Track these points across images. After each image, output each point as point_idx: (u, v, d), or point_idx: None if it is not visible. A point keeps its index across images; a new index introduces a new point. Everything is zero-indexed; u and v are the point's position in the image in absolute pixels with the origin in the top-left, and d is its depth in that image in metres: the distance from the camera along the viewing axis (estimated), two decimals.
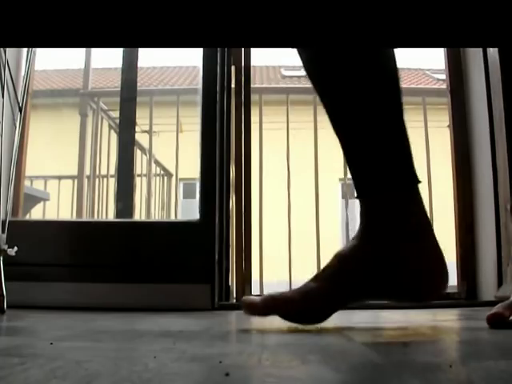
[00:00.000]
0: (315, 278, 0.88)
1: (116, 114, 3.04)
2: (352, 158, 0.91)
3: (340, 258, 0.90)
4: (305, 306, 0.83)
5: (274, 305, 0.83)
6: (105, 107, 3.43)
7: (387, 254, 0.84)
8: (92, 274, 1.48)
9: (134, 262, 1.50)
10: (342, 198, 7.16)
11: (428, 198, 2.05)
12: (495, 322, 0.79)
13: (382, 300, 0.90)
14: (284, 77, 8.48)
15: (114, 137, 3.29)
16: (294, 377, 0.45)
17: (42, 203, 3.64)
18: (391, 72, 0.88)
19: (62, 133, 4.76)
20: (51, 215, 3.99)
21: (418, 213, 0.87)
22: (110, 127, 3.42)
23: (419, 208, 0.87)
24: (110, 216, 3.08)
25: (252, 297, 0.89)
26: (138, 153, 2.89)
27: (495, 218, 1.48)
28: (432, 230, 0.89)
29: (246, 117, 1.63)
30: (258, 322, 1.05)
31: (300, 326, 0.85)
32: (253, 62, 1.67)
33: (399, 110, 0.93)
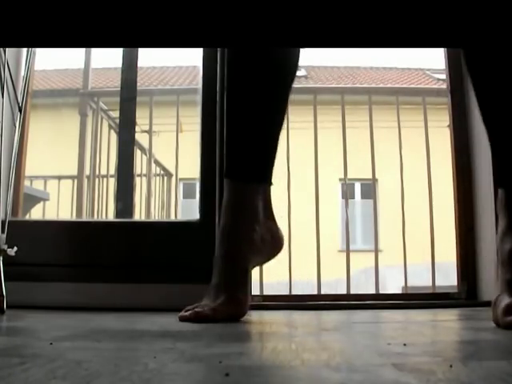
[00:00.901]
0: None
1: (116, 114, 3.04)
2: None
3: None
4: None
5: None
6: (105, 107, 3.43)
7: None
8: (92, 274, 1.47)
9: (134, 262, 1.50)
10: (342, 198, 7.16)
11: (428, 197, 2.05)
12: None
13: None
14: None
15: (114, 137, 3.29)
16: (294, 377, 0.45)
17: (41, 203, 3.64)
18: None
19: (61, 133, 4.76)
20: (51, 215, 3.99)
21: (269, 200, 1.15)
22: (110, 127, 3.42)
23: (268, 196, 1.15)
24: (110, 216, 3.08)
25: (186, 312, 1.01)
26: (137, 153, 2.89)
27: (495, 218, 1.48)
28: None
29: None
30: (258, 322, 1.05)
31: (300, 326, 0.85)
32: None
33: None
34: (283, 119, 1.16)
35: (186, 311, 1.01)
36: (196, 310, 1.00)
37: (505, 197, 1.02)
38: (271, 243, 1.14)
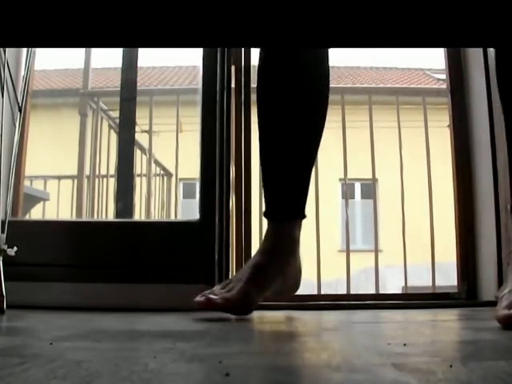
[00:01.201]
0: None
1: (116, 114, 3.04)
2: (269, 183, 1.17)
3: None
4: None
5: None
6: (104, 107, 3.43)
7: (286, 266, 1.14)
8: (92, 274, 1.47)
9: (134, 261, 1.50)
10: (342, 198, 7.16)
11: (428, 197, 2.05)
12: (510, 323, 0.79)
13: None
14: None
15: (114, 137, 3.29)
16: (294, 377, 0.45)
17: (41, 203, 3.64)
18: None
19: (61, 133, 4.76)
20: (51, 215, 3.99)
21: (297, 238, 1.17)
22: (110, 127, 3.42)
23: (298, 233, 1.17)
24: (110, 216, 3.08)
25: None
26: (137, 153, 2.89)
27: (495, 218, 1.48)
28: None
29: (246, 117, 1.63)
30: (258, 322, 1.05)
31: (300, 326, 0.85)
32: (253, 62, 1.66)
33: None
34: (317, 152, 1.19)
35: (202, 296, 1.05)
36: (209, 296, 1.04)
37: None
38: (293, 279, 1.17)
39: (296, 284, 1.20)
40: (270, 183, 1.17)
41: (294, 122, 1.15)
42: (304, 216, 1.17)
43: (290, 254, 1.14)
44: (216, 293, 1.06)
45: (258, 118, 1.18)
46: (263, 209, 1.19)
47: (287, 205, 1.16)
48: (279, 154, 1.16)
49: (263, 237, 1.18)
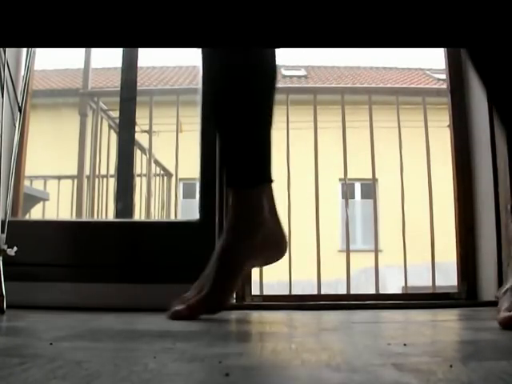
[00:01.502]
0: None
1: (116, 114, 3.04)
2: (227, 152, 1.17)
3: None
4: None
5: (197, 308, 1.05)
6: (104, 107, 3.43)
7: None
8: (92, 274, 1.47)
9: (134, 261, 1.50)
10: (342, 198, 7.16)
11: (428, 197, 2.05)
12: (510, 324, 0.78)
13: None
14: (284, 77, 8.48)
15: (114, 137, 3.29)
16: (294, 377, 0.45)
17: (41, 203, 3.64)
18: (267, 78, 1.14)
19: (61, 133, 4.76)
20: (51, 215, 3.99)
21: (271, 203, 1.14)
22: (110, 127, 3.42)
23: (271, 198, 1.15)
24: (110, 216, 3.08)
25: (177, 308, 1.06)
26: (137, 153, 2.89)
27: (495, 218, 1.48)
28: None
29: None
30: (258, 322, 1.05)
31: (300, 326, 0.85)
32: None
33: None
34: (271, 119, 1.17)
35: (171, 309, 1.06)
36: (177, 309, 1.05)
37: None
38: (274, 246, 1.15)
39: (279, 250, 1.17)
40: (226, 151, 1.18)
41: (243, 90, 1.14)
42: (270, 180, 1.14)
43: (258, 224, 1.11)
44: (189, 297, 1.08)
45: (207, 89, 1.22)
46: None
47: (245, 170, 1.14)
48: (231, 118, 1.15)
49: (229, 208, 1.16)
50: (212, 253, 1.50)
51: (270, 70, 1.17)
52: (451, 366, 0.46)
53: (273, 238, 1.14)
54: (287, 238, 1.19)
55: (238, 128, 1.15)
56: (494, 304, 1.43)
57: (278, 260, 1.17)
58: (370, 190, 7.12)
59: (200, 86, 1.60)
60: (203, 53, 1.16)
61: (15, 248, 1.23)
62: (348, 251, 2.17)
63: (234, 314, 1.25)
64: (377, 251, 2.23)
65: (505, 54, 0.90)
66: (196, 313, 1.04)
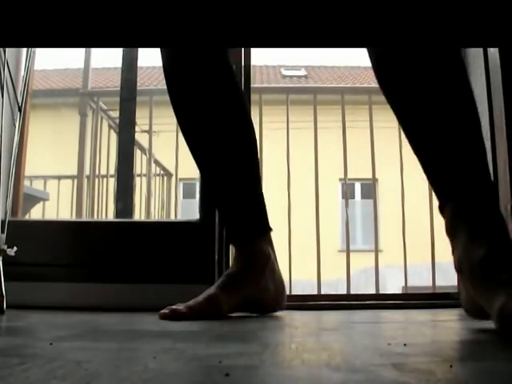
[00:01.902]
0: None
1: (116, 114, 3.04)
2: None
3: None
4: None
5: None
6: (104, 107, 3.43)
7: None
8: (92, 274, 1.48)
9: (134, 261, 1.50)
10: (342, 198, 7.16)
11: (428, 197, 2.05)
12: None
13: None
14: (284, 76, 8.49)
15: (114, 136, 3.29)
16: (294, 377, 0.45)
17: (41, 203, 3.64)
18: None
19: (61, 133, 4.76)
20: (51, 215, 3.99)
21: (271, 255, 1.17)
22: (110, 127, 3.42)
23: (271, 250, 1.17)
24: (110, 216, 3.08)
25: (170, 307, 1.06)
26: (137, 153, 2.89)
27: None
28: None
29: None
30: (258, 322, 1.05)
31: (300, 326, 0.85)
32: (253, 62, 1.66)
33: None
34: (258, 165, 1.19)
35: (167, 309, 1.05)
36: (173, 307, 1.05)
37: (457, 211, 0.94)
38: (273, 295, 1.16)
39: (277, 300, 1.18)
40: (222, 212, 1.21)
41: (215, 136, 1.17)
42: (268, 229, 1.17)
43: (263, 267, 1.14)
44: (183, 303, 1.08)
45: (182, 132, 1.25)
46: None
47: (245, 227, 1.17)
48: (217, 179, 1.17)
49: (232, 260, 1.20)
50: (212, 253, 1.50)
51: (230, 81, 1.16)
52: (451, 366, 0.46)
53: (271, 285, 1.15)
54: (285, 291, 1.21)
55: (223, 179, 1.16)
56: None
57: (274, 310, 1.19)
58: (369, 189, 7.12)
59: None
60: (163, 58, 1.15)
61: (15, 248, 1.23)
62: (348, 251, 2.17)
63: (233, 314, 1.25)
64: (377, 251, 2.23)
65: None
66: (194, 313, 1.04)
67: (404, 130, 0.96)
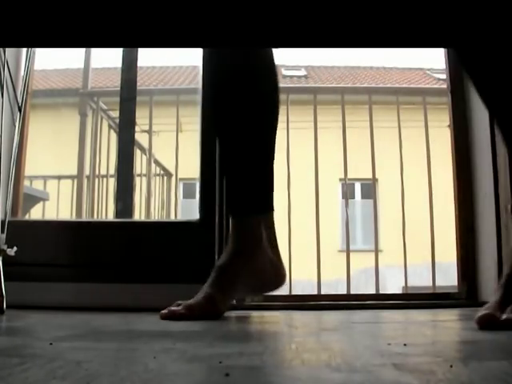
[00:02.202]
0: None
1: (116, 114, 3.04)
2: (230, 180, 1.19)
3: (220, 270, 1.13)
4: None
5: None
6: (104, 107, 3.43)
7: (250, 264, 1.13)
8: (92, 274, 1.47)
9: (134, 261, 1.50)
10: (342, 198, 7.16)
11: (428, 197, 2.05)
12: (486, 323, 0.77)
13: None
14: (284, 77, 8.48)
15: (114, 136, 3.29)
16: (295, 377, 0.45)
17: (41, 203, 3.63)
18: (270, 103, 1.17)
19: (61, 133, 4.76)
20: (51, 215, 3.99)
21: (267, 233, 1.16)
22: (110, 127, 3.42)
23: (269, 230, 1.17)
24: (110, 216, 3.08)
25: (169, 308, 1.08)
26: (137, 152, 2.89)
27: (496, 218, 1.48)
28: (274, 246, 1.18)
29: None
30: (258, 322, 1.05)
31: (300, 326, 0.85)
32: None
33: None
34: (274, 145, 1.19)
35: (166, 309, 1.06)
36: (172, 308, 1.06)
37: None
38: (270, 276, 1.17)
39: (274, 279, 1.18)
40: (229, 179, 1.20)
41: (247, 119, 1.16)
42: (269, 210, 1.17)
43: (253, 251, 1.13)
44: (182, 303, 1.08)
45: (213, 117, 1.23)
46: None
47: (245, 199, 1.17)
48: (235, 149, 1.17)
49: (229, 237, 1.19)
50: (212, 253, 1.50)
51: (269, 73, 1.18)
52: (451, 366, 0.46)
53: (269, 267, 1.15)
54: (285, 270, 1.20)
55: (239, 149, 1.17)
56: None
57: (272, 290, 1.20)
58: (369, 189, 7.12)
59: (200, 85, 1.60)
60: (204, 54, 1.17)
61: (15, 248, 1.23)
62: (348, 251, 2.17)
63: (233, 314, 1.25)
64: (377, 251, 2.23)
65: (499, 58, 0.89)
66: (193, 314, 1.04)
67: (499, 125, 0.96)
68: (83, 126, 3.38)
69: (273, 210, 1.18)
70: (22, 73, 1.57)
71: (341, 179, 6.17)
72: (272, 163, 1.18)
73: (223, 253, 1.17)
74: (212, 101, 1.20)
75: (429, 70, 9.12)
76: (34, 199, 3.37)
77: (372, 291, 2.06)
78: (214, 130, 1.23)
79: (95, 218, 3.15)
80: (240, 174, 1.17)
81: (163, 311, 1.06)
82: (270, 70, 1.18)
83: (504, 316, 0.76)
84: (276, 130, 1.20)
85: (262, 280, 1.16)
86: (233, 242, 1.14)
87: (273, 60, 1.18)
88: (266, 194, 1.17)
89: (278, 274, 1.18)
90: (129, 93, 1.89)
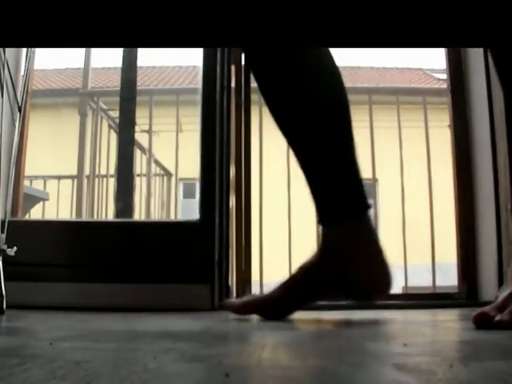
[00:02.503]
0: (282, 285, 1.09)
1: (116, 114, 3.04)
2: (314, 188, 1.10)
3: (302, 270, 1.10)
4: (269, 306, 1.06)
5: (248, 306, 1.07)
6: (104, 107, 3.43)
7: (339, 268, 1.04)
8: (92, 274, 1.47)
9: (134, 261, 1.50)
10: None
11: (428, 197, 2.05)
12: (481, 322, 0.79)
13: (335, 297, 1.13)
14: None
15: (114, 136, 3.29)
16: (294, 377, 0.45)
17: (41, 203, 3.64)
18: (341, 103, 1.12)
19: (61, 132, 4.76)
20: (51, 215, 3.99)
21: (368, 237, 1.05)
22: (110, 127, 3.42)
23: (369, 231, 1.06)
24: (110, 216, 3.08)
25: (232, 300, 1.11)
26: (137, 152, 2.89)
27: (496, 218, 1.48)
28: (379, 251, 1.06)
29: (245, 116, 1.63)
30: (258, 322, 1.05)
31: (300, 326, 0.85)
32: None
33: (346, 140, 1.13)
34: (353, 138, 1.11)
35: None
36: (231, 300, 1.10)
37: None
38: (364, 285, 1.04)
39: (376, 282, 1.04)
40: (314, 186, 1.10)
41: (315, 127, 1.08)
42: (367, 207, 1.05)
43: (346, 253, 1.03)
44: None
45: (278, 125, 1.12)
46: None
47: (335, 203, 1.06)
48: (312, 161, 1.09)
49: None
50: (212, 253, 1.50)
51: (333, 69, 1.07)
52: (451, 366, 0.46)
53: (362, 270, 1.03)
54: (389, 277, 1.04)
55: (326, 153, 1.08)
56: None
57: (369, 297, 1.08)
58: (370, 190, 7.11)
59: (200, 85, 1.60)
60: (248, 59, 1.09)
61: (15, 248, 1.23)
62: None
63: (233, 314, 1.25)
64: None
65: None
66: (248, 309, 1.05)
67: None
68: (83, 125, 3.39)
69: (369, 207, 1.05)
70: (21, 72, 1.57)
71: None
72: (356, 160, 1.08)
73: (318, 248, 1.08)
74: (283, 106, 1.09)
75: (429, 70, 9.12)
76: (33, 199, 3.37)
77: None
78: (284, 134, 1.11)
79: (95, 218, 3.15)
80: (326, 176, 1.08)
81: (227, 303, 1.09)
82: (329, 65, 1.06)
83: (498, 317, 0.77)
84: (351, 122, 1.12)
85: (363, 284, 1.03)
86: (321, 245, 1.06)
87: (331, 58, 1.05)
88: (352, 196, 1.05)
89: (378, 277, 1.04)
90: (129, 93, 1.89)
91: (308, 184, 1.11)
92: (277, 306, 1.06)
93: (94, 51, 3.48)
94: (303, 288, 1.06)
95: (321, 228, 1.08)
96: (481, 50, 1.55)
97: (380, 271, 1.04)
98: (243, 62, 1.64)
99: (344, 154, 1.09)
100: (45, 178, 4.04)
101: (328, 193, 1.07)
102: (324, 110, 1.08)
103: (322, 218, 1.07)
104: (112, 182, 2.89)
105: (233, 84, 1.63)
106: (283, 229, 2.19)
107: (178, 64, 8.39)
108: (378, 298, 1.11)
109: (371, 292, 1.06)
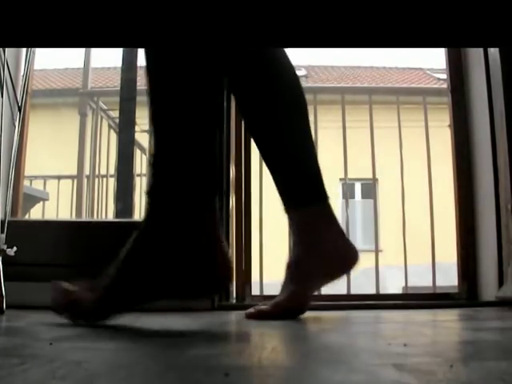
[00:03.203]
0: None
1: (116, 114, 3.04)
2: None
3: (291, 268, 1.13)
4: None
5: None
6: (104, 107, 3.43)
7: None
8: (92, 274, 1.47)
9: None
10: (342, 197, 7.16)
11: (429, 197, 2.05)
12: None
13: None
14: None
15: (114, 136, 3.29)
16: (294, 377, 0.45)
17: (41, 203, 3.63)
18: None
19: (61, 132, 4.76)
20: (50, 215, 3.99)
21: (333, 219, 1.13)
22: (110, 127, 3.42)
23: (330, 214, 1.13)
24: (110, 216, 3.08)
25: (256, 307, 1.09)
26: (137, 152, 2.89)
27: (496, 218, 1.48)
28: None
29: None
30: (257, 322, 1.05)
31: (300, 327, 0.85)
32: None
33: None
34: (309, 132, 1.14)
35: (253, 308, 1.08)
36: (259, 308, 1.07)
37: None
38: (338, 260, 1.12)
39: (343, 264, 1.13)
40: (280, 174, 1.17)
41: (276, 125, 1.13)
42: (326, 198, 1.13)
43: (322, 239, 1.09)
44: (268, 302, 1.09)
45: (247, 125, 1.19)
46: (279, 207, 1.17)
47: (301, 191, 1.14)
48: (279, 145, 1.14)
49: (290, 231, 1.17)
50: None
51: (293, 68, 1.13)
52: (451, 367, 0.46)
53: (336, 252, 1.11)
54: (356, 250, 1.13)
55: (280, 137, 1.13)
56: (494, 304, 1.43)
57: (341, 275, 1.15)
58: (370, 189, 7.12)
59: None
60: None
61: (15, 248, 1.23)
62: None
63: (233, 314, 1.25)
64: (377, 251, 2.23)
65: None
66: (279, 312, 1.05)
67: None
68: (83, 125, 3.39)
69: (328, 198, 1.14)
70: (21, 72, 1.57)
71: (341, 179, 6.17)
72: (315, 152, 1.16)
73: (292, 247, 1.15)
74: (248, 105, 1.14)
75: (429, 69, 9.12)
76: (33, 199, 3.37)
77: (372, 291, 2.05)
78: (249, 131, 1.19)
79: (95, 218, 3.15)
80: (292, 166, 1.14)
81: (249, 310, 1.07)
82: (286, 64, 1.12)
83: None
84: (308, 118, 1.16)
85: (330, 269, 1.12)
86: (298, 235, 1.12)
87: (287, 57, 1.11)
88: (321, 182, 1.15)
89: (343, 259, 1.12)
90: (129, 93, 1.89)
91: (274, 176, 1.17)
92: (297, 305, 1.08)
93: (94, 51, 3.48)
94: (308, 280, 1.10)
95: (287, 217, 1.14)
96: (481, 50, 1.55)
97: (348, 247, 1.12)
98: None
99: (306, 146, 1.15)
100: (45, 177, 4.04)
101: (294, 181, 1.14)
102: (288, 106, 1.12)
103: (288, 204, 1.14)
104: (112, 181, 2.89)
105: None
106: (283, 229, 2.19)
107: None
108: (349, 271, 1.20)
109: (345, 266, 1.14)
